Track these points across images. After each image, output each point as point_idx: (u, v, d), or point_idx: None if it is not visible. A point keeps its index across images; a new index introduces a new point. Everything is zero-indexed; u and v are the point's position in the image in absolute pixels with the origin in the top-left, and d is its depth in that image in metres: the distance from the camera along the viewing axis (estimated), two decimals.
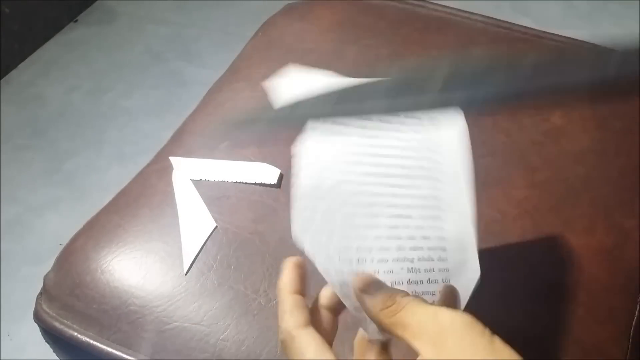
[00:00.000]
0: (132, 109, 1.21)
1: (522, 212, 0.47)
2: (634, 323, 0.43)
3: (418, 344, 0.29)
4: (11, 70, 1.29)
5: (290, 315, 0.32)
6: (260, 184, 0.50)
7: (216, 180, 0.51)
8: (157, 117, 1.19)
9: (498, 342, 0.28)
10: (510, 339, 0.27)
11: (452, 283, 0.34)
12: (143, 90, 1.25)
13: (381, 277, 0.33)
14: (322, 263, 0.33)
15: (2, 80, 1.27)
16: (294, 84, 0.37)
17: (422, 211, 0.36)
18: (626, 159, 0.51)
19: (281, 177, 0.50)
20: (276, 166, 0.51)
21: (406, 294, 0.31)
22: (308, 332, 0.32)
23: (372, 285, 0.32)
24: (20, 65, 1.31)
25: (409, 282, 0.34)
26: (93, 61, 1.31)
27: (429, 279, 0.34)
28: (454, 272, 0.35)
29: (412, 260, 0.34)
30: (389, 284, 0.33)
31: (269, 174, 0.51)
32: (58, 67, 1.30)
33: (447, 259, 0.35)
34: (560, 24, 1.29)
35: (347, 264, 0.33)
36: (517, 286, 0.44)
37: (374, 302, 0.31)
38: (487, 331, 0.29)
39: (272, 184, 0.50)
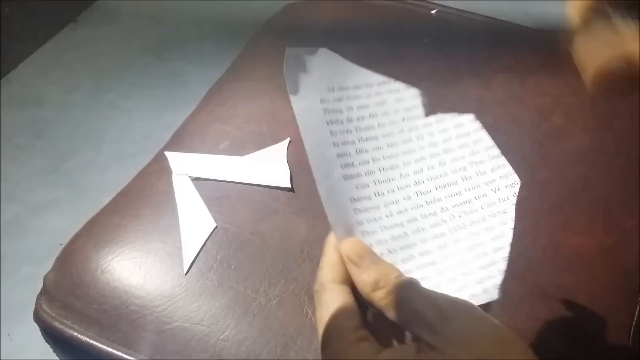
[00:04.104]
0: (132, 109, 1.21)
1: (522, 212, 0.47)
2: (634, 323, 0.43)
3: (417, 331, 0.28)
4: (11, 70, 1.29)
5: (330, 268, 0.31)
6: (272, 187, 0.50)
7: (220, 179, 0.51)
8: (157, 117, 1.18)
9: (501, 328, 0.28)
10: None
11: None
12: (143, 90, 1.25)
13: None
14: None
15: (2, 80, 1.27)
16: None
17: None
18: (626, 159, 0.51)
19: (291, 177, 0.50)
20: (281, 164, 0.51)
21: (400, 273, 0.30)
22: (341, 288, 0.30)
23: (364, 258, 0.30)
24: (20, 65, 1.31)
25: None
26: (93, 61, 1.31)
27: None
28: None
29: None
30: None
31: (280, 176, 0.50)
32: (58, 67, 1.30)
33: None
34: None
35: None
36: (516, 286, 0.44)
37: (365, 280, 0.30)
38: (489, 317, 0.28)
39: (285, 187, 0.49)
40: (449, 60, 0.59)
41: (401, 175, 0.34)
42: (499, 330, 0.28)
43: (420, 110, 0.36)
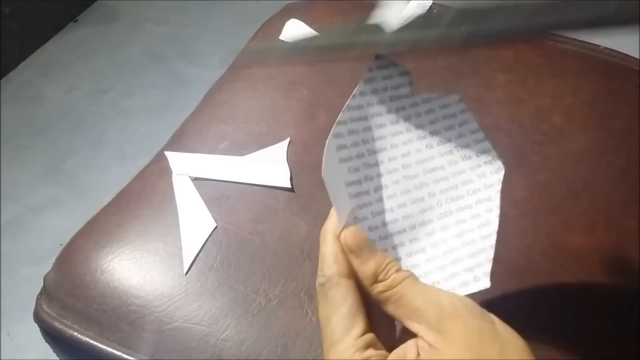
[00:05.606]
0: (132, 109, 1.21)
1: (522, 212, 0.47)
2: (634, 323, 0.43)
3: (416, 327, 0.27)
4: (11, 70, 1.29)
5: (336, 261, 0.29)
6: (272, 187, 0.50)
7: (219, 180, 0.51)
8: (157, 117, 1.19)
9: (499, 325, 0.28)
10: None
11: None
12: (143, 90, 1.25)
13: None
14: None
15: (2, 80, 1.27)
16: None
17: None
18: (626, 159, 0.51)
19: (291, 177, 0.50)
20: (280, 164, 0.51)
21: (399, 267, 0.29)
22: (348, 284, 0.29)
23: (364, 249, 0.29)
24: (20, 65, 1.31)
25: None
26: (93, 61, 1.31)
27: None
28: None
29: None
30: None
31: (280, 176, 0.50)
32: (58, 67, 1.30)
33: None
34: None
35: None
36: (516, 286, 0.44)
37: (366, 271, 0.29)
38: (488, 314, 0.28)
39: (285, 187, 0.49)
40: (449, 60, 0.59)
41: (389, 158, 0.33)
42: (500, 329, 0.28)
43: (407, 89, 0.34)
